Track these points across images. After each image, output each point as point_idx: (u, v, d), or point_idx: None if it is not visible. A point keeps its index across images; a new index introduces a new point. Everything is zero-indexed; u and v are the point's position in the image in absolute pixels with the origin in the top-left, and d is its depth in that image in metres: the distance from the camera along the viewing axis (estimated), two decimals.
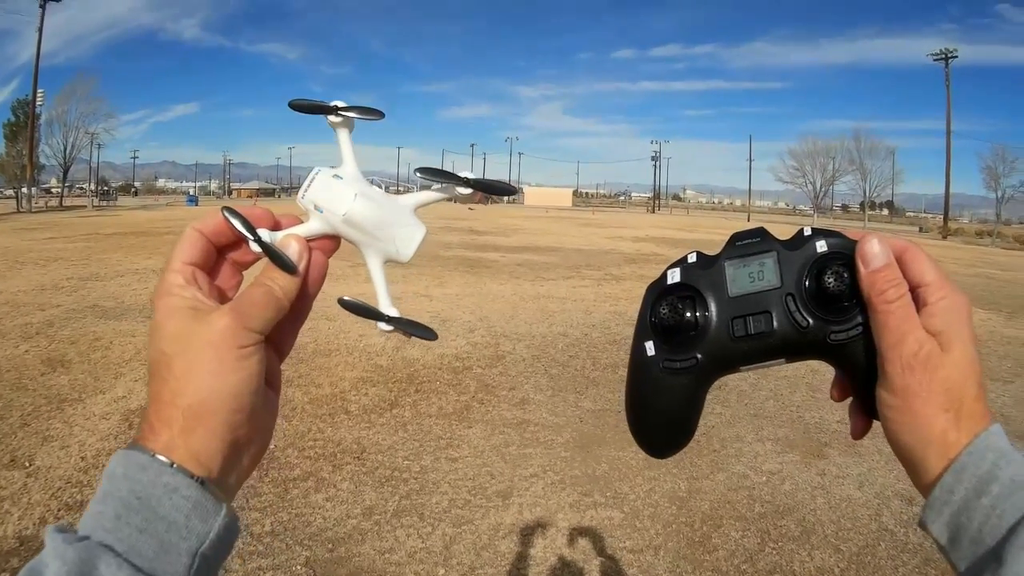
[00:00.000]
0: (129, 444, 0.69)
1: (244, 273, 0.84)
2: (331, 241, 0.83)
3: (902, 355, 0.72)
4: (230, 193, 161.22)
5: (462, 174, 0.83)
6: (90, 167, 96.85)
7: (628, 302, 15.19)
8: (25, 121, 72.21)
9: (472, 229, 41.30)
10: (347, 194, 0.81)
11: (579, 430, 7.36)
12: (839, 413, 7.84)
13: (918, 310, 0.74)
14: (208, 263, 0.79)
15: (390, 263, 0.86)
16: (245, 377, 0.71)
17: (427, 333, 0.84)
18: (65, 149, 79.41)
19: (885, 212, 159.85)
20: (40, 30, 71.92)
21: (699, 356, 0.79)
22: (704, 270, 0.82)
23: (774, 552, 5.18)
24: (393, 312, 0.84)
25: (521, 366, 9.66)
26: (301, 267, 0.78)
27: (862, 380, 0.77)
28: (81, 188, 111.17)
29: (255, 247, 0.77)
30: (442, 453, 6.59)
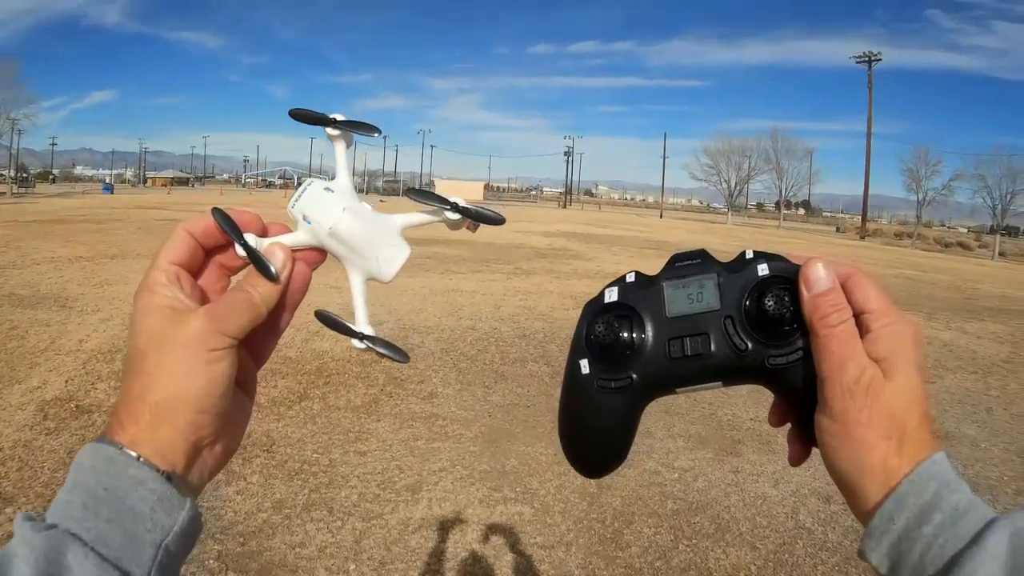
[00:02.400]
0: (98, 437, 0.71)
1: (232, 278, 0.84)
2: (317, 253, 0.84)
3: (843, 380, 0.71)
4: (145, 182, 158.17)
5: (452, 199, 0.83)
6: (11, 153, 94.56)
7: (538, 296, 15.31)
8: None
9: None
10: (335, 208, 0.81)
11: (488, 424, 7.41)
12: (752, 411, 8.04)
13: (862, 336, 0.73)
14: (195, 264, 0.80)
15: (371, 281, 0.86)
16: (213, 379, 0.72)
17: (400, 356, 0.84)
18: None
19: (801, 211, 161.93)
20: None
21: (634, 376, 0.80)
22: (642, 290, 0.82)
23: (688, 549, 5.22)
24: (368, 331, 0.83)
25: (430, 359, 9.68)
26: (283, 276, 0.79)
27: (801, 406, 0.77)
28: (0, 175, 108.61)
29: (240, 251, 0.77)
30: (351, 447, 6.60)
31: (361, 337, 0.83)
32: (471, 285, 16.52)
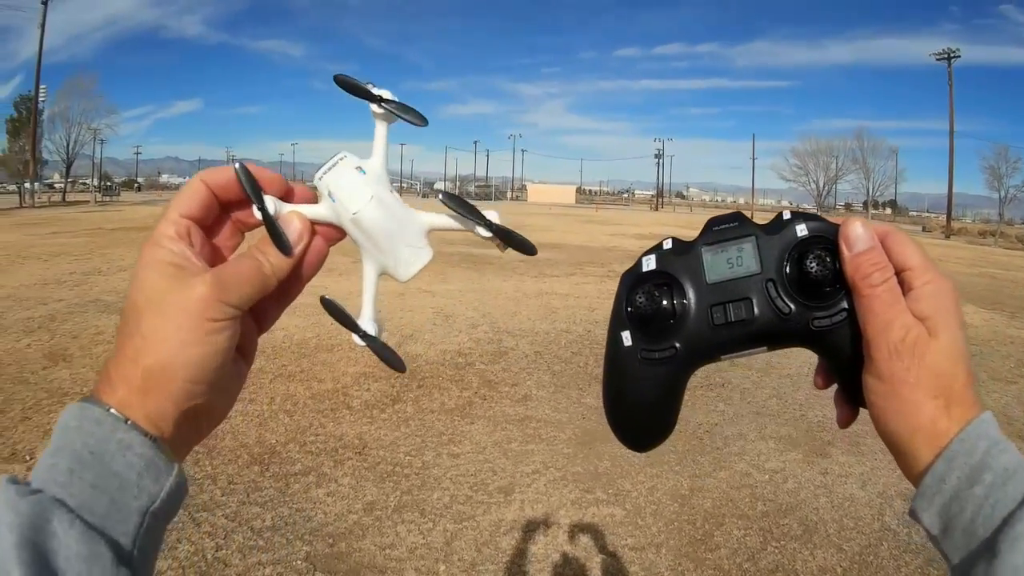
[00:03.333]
0: (84, 397, 0.67)
1: (246, 235, 0.81)
2: (337, 231, 0.80)
3: (889, 341, 0.70)
4: None
5: (488, 214, 0.79)
6: (93, 163, 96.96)
7: None
8: (28, 117, 72.61)
9: None
10: (364, 193, 0.76)
11: (581, 427, 7.33)
12: None
13: (904, 295, 0.72)
14: (208, 218, 0.76)
15: (385, 276, 0.82)
16: (211, 351, 0.69)
17: (397, 363, 0.82)
18: (68, 145, 79.63)
19: (888, 211, 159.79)
20: (42, 27, 72.04)
21: (678, 346, 0.78)
22: (680, 256, 0.80)
23: (776, 551, 5.16)
24: (371, 329, 0.81)
25: (524, 362, 9.64)
26: (298, 250, 0.75)
27: (847, 367, 0.76)
28: (84, 184, 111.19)
29: (257, 214, 0.74)
30: (444, 449, 6.57)
31: (363, 334, 0.81)
32: (565, 288, 16.49)
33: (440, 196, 0.80)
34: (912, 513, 0.70)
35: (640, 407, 0.81)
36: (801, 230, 0.77)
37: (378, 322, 0.82)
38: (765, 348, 0.79)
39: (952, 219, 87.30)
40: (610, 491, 5.92)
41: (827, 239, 0.75)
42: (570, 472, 6.25)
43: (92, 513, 0.61)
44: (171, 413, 0.68)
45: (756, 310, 0.76)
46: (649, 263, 0.81)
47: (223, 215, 0.78)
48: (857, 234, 0.73)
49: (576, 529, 5.34)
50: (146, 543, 0.64)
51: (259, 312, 0.79)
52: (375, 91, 0.79)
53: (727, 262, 0.78)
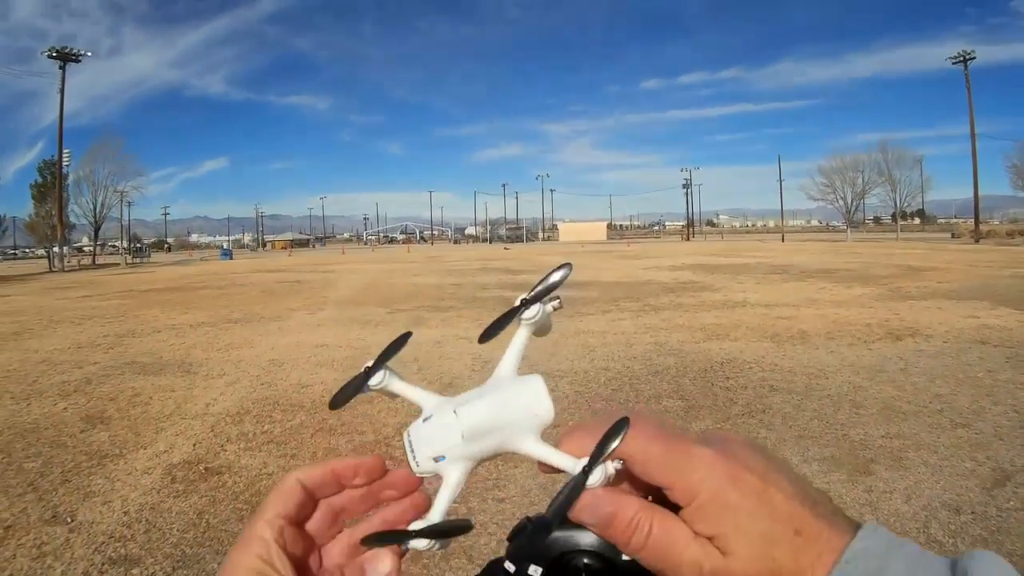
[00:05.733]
0: None
1: (346, 524, 0.76)
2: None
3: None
4: (264, 245, 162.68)
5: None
6: (121, 225, 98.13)
7: (668, 332, 15.06)
8: (52, 182, 73.70)
9: (509, 269, 41.66)
10: (447, 419, 0.69)
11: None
12: (883, 428, 7.79)
13: (677, 512, 0.62)
14: (303, 516, 0.71)
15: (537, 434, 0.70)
16: None
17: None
18: (95, 208, 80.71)
19: (917, 221, 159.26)
20: (62, 91, 73.37)
21: None
22: None
23: None
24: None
25: (565, 403, 9.52)
26: None
27: None
28: (114, 246, 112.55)
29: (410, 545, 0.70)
30: (489, 494, 6.50)
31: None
32: (601, 326, 16.38)
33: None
34: None
35: None
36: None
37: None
38: None
39: (980, 222, 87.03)
40: None
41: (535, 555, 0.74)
42: None
43: None
44: None
45: None
46: None
47: (317, 504, 0.73)
48: (587, 511, 0.63)
49: None
50: None
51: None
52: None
53: None
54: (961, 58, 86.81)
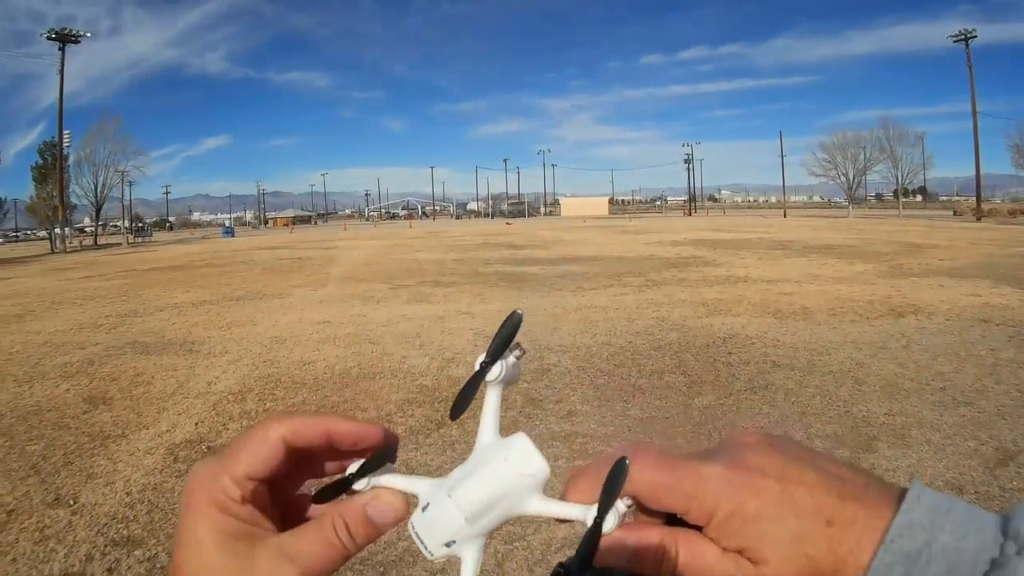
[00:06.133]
0: None
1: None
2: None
3: None
4: (266, 223, 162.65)
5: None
6: (123, 205, 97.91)
7: (670, 307, 15.07)
8: (53, 163, 73.51)
9: (511, 244, 41.63)
10: (445, 505, 0.64)
11: (627, 439, 7.18)
12: (886, 405, 7.79)
13: (702, 531, 0.60)
14: (277, 475, 0.65)
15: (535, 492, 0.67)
16: None
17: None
18: (96, 188, 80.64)
19: (919, 199, 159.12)
20: (61, 72, 73.29)
21: None
22: None
23: None
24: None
25: (567, 378, 9.54)
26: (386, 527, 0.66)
27: None
28: (115, 226, 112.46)
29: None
30: None
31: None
32: (603, 301, 16.39)
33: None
34: None
35: None
36: None
37: None
38: None
39: (982, 200, 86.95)
40: None
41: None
42: None
43: None
44: None
45: None
46: None
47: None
48: (611, 553, 0.61)
49: None
50: None
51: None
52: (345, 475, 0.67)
53: None
54: (962, 36, 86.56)
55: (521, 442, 0.68)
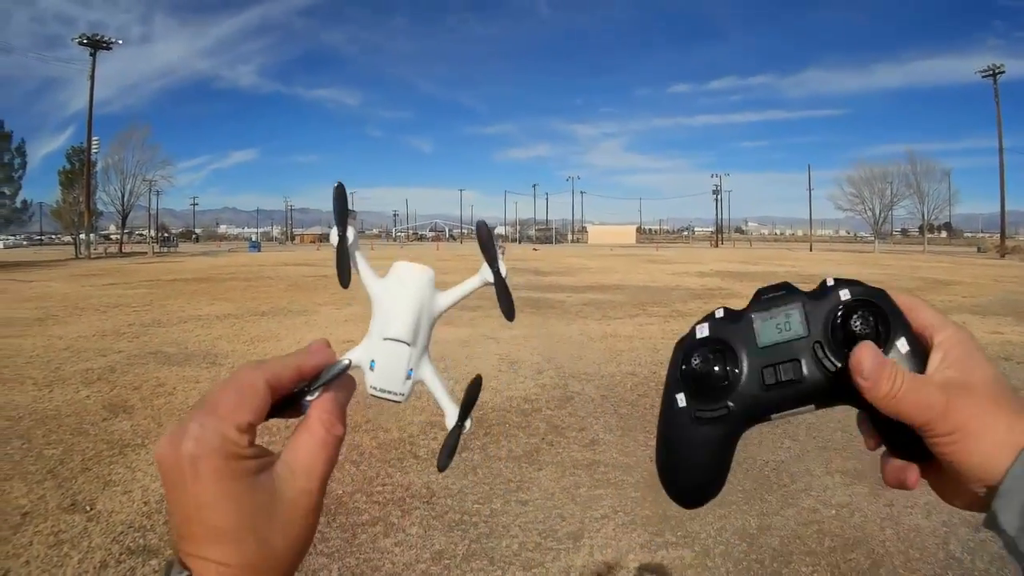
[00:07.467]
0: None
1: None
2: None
3: (934, 414, 0.69)
4: (292, 239, 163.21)
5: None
6: (149, 214, 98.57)
7: None
8: (81, 168, 73.87)
9: (537, 270, 41.65)
10: (388, 348, 0.80)
11: (649, 469, 7.11)
12: None
13: (927, 349, 0.75)
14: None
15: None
16: (310, 532, 0.71)
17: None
18: (123, 196, 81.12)
19: (944, 235, 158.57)
20: (92, 78, 73.79)
21: (731, 405, 0.80)
22: (732, 323, 0.83)
23: None
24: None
25: (590, 407, 9.54)
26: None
27: (894, 423, 0.75)
28: (141, 235, 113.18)
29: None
30: (512, 496, 6.50)
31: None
32: (629, 330, 16.40)
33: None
34: (989, 519, 0.68)
35: (692, 464, 0.84)
36: (844, 294, 0.79)
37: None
38: (813, 407, 0.80)
39: (1006, 237, 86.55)
40: (679, 533, 5.83)
41: (869, 302, 0.78)
42: (639, 515, 6.15)
43: None
44: None
45: (805, 370, 0.78)
46: (703, 331, 0.84)
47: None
48: (862, 365, 0.72)
49: (645, 572, 5.26)
50: None
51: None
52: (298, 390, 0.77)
53: (776, 327, 0.81)
54: (990, 72, 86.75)
55: (401, 266, 0.82)
